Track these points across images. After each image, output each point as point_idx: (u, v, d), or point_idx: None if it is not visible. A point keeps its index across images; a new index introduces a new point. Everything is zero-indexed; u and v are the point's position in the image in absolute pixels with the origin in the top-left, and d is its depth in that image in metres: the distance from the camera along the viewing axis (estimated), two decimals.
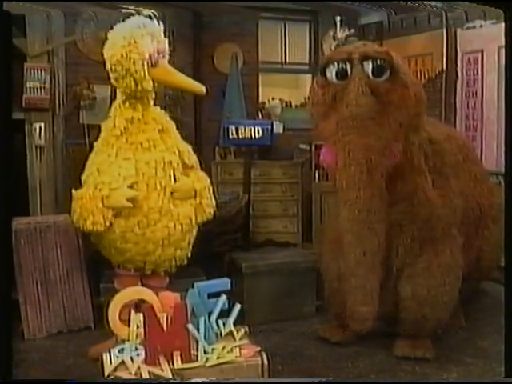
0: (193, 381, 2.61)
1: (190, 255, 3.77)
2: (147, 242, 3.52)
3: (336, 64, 3.39)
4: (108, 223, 3.45)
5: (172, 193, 3.52)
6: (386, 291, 3.55)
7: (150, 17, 3.59)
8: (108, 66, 3.46)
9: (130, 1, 5.37)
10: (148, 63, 3.37)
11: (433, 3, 5.76)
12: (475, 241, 4.09)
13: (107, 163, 3.50)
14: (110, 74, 3.48)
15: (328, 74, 3.42)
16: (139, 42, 3.36)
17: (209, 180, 3.79)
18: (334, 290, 3.83)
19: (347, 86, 3.30)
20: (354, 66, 3.31)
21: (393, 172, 3.39)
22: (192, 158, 3.70)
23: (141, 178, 3.46)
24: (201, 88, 3.57)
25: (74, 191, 3.56)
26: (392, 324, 3.76)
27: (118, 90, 3.59)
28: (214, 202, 3.77)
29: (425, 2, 5.75)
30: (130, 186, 3.43)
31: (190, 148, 3.73)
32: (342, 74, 3.36)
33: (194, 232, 3.72)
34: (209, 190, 3.74)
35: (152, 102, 3.60)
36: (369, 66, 3.30)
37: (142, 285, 3.62)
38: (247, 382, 2.72)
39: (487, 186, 4.32)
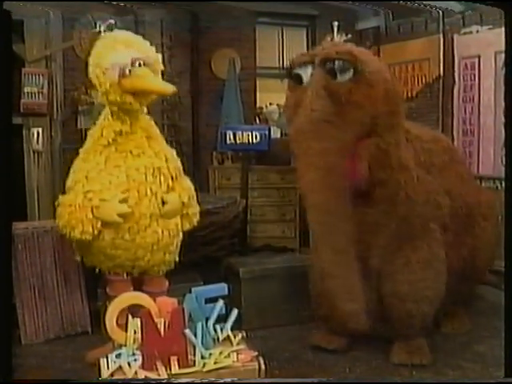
0: (190, 380, 2.62)
1: (177, 259, 3.77)
2: (137, 248, 3.52)
3: (299, 67, 3.38)
4: (96, 232, 3.45)
5: (161, 215, 3.53)
6: (370, 292, 3.56)
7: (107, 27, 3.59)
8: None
9: (130, 1, 5.38)
10: (118, 75, 3.32)
11: (432, 3, 5.77)
12: (467, 239, 4.07)
13: (96, 170, 3.48)
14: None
15: (293, 77, 3.43)
16: (103, 57, 3.36)
17: (192, 187, 3.76)
18: (319, 292, 3.82)
19: (307, 89, 3.28)
20: (315, 68, 3.28)
21: (369, 175, 3.40)
22: (177, 164, 3.69)
23: (132, 184, 3.46)
24: (168, 88, 3.43)
25: (61, 197, 3.56)
26: (385, 326, 3.76)
27: None
28: (198, 209, 3.79)
29: (424, 2, 5.76)
30: (122, 201, 3.43)
31: (173, 152, 3.73)
32: (304, 78, 3.35)
33: (181, 235, 3.73)
34: (193, 198, 3.74)
35: (142, 112, 3.58)
36: (329, 68, 3.26)
37: (139, 290, 3.62)
38: (246, 382, 2.72)
39: (473, 186, 4.34)
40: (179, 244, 3.74)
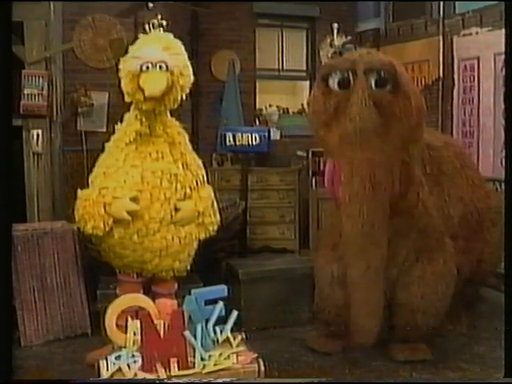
0: (191, 380, 2.62)
1: (188, 267, 3.78)
2: (145, 251, 3.53)
3: (339, 72, 3.30)
4: (108, 229, 3.47)
5: (173, 221, 3.53)
6: (385, 296, 3.56)
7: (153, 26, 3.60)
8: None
9: (130, 0, 5.38)
10: (140, 68, 3.35)
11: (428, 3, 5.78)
12: (476, 244, 4.09)
13: (114, 168, 3.52)
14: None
15: (330, 82, 3.33)
16: (139, 47, 3.42)
17: (213, 196, 3.76)
18: (325, 296, 3.82)
19: (350, 96, 3.22)
20: (358, 76, 3.22)
21: (395, 185, 3.38)
22: (199, 173, 3.69)
23: (145, 186, 3.47)
24: (151, 91, 3.36)
25: (79, 190, 3.58)
26: (386, 329, 3.77)
27: None
28: (218, 218, 3.77)
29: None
30: (133, 199, 3.44)
31: (199, 162, 3.74)
32: (344, 84, 3.28)
33: (195, 245, 3.73)
34: (212, 207, 3.73)
35: (166, 115, 3.59)
36: (373, 78, 3.22)
37: (150, 291, 3.64)
38: (244, 382, 2.72)
39: (484, 191, 4.32)
40: (192, 253, 3.74)
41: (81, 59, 5.56)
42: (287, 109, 7.13)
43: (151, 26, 3.60)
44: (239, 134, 5.11)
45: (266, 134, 5.19)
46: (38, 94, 5.25)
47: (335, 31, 3.69)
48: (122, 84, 3.45)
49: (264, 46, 6.92)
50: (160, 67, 3.36)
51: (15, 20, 4.64)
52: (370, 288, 3.33)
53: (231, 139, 5.12)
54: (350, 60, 3.32)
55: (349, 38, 3.62)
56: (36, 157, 5.38)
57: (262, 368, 2.73)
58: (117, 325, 2.85)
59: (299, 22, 7.08)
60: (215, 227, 3.76)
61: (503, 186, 4.28)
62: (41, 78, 5.25)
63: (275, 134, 6.38)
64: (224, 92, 6.28)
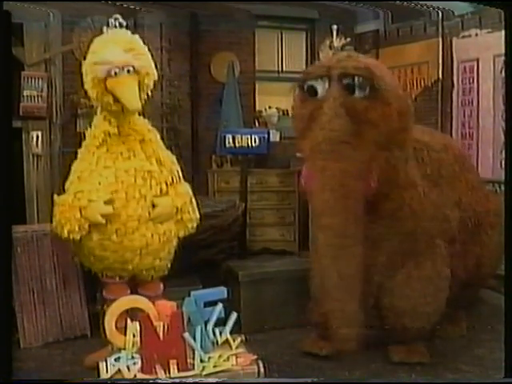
0: (190, 380, 2.62)
1: (169, 265, 3.76)
2: (125, 251, 3.52)
3: (314, 80, 3.27)
4: (84, 232, 3.47)
5: (151, 218, 3.51)
6: (369, 300, 3.59)
7: (124, 25, 3.55)
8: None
9: (130, 0, 5.38)
10: (107, 73, 3.32)
11: (429, 3, 5.77)
12: (474, 247, 4.07)
13: (88, 171, 3.51)
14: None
15: (306, 89, 3.32)
16: (100, 50, 3.37)
17: (191, 192, 3.74)
18: (316, 300, 3.78)
19: (323, 104, 3.18)
20: (332, 82, 3.18)
21: (375, 191, 3.34)
22: (174, 169, 3.67)
23: (120, 186, 3.46)
24: (133, 105, 3.36)
25: (55, 196, 3.58)
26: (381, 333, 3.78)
27: None
28: (197, 215, 3.74)
29: (421, 3, 5.76)
30: (108, 202, 3.43)
31: (173, 158, 3.72)
32: (319, 91, 3.25)
33: (175, 242, 3.71)
34: (191, 203, 3.70)
35: (134, 115, 3.55)
36: (347, 84, 3.17)
37: (135, 293, 3.62)
38: (242, 382, 2.72)
39: (483, 193, 4.29)
40: (172, 250, 3.72)
41: (80, 61, 5.54)
42: (287, 110, 7.11)
43: (112, 24, 3.55)
44: (239, 136, 5.10)
45: (266, 135, 5.18)
46: (38, 96, 5.26)
47: (334, 33, 3.68)
48: (87, 88, 3.42)
49: (263, 47, 6.90)
50: (128, 71, 3.34)
51: (15, 22, 4.65)
52: (344, 298, 3.23)
53: (231, 141, 5.12)
54: (326, 66, 3.28)
55: (348, 39, 3.60)
56: (36, 158, 5.39)
57: (262, 370, 2.73)
58: (116, 327, 2.86)
59: (298, 23, 7.07)
60: (194, 224, 3.73)
61: (503, 188, 4.28)
62: (40, 80, 5.26)
63: (275, 136, 6.37)
64: (223, 94, 6.27)
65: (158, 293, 3.70)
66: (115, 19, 3.55)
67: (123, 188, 3.47)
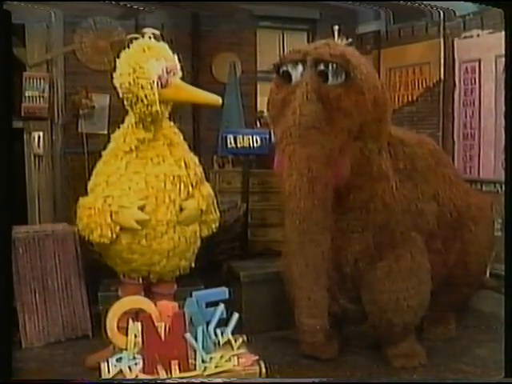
0: (193, 380, 2.62)
1: (193, 265, 3.81)
2: (153, 254, 3.55)
3: (289, 65, 3.28)
4: (115, 236, 3.49)
5: (179, 222, 3.55)
6: (346, 299, 3.65)
7: (154, 37, 3.54)
8: (120, 94, 3.48)
9: (132, 1, 5.38)
10: (158, 85, 3.36)
11: (431, 3, 5.76)
12: (455, 243, 4.02)
13: (116, 176, 3.52)
14: (124, 101, 3.49)
15: (282, 74, 3.33)
16: (145, 66, 3.35)
17: (212, 193, 3.81)
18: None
19: (296, 89, 3.18)
20: (306, 68, 3.18)
21: (346, 181, 3.32)
22: (198, 171, 3.71)
23: (150, 191, 3.49)
24: (216, 100, 3.54)
25: (81, 199, 3.59)
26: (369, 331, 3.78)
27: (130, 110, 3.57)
28: (218, 214, 3.84)
29: (424, 2, 5.75)
30: (141, 208, 3.45)
31: (196, 160, 3.76)
32: (293, 76, 3.25)
33: (198, 243, 3.76)
34: (213, 204, 3.78)
35: (165, 118, 3.61)
36: (322, 70, 3.17)
37: (150, 292, 3.65)
38: (242, 382, 2.72)
39: (463, 188, 4.22)
40: (196, 251, 3.77)
41: (82, 61, 5.57)
42: None
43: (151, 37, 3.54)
44: (240, 136, 5.10)
45: (267, 136, 5.17)
46: (40, 96, 5.26)
47: (336, 33, 3.67)
48: (140, 93, 3.37)
49: (265, 48, 6.90)
50: (174, 73, 3.48)
51: (16, 22, 4.66)
52: (309, 287, 3.21)
53: (232, 141, 5.11)
54: (302, 52, 3.27)
55: (349, 40, 3.59)
56: (37, 159, 5.39)
57: (263, 370, 2.73)
58: (118, 327, 2.86)
59: (300, 24, 7.06)
60: (217, 224, 3.82)
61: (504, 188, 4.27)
62: (42, 80, 5.27)
63: None
64: (225, 94, 6.25)
65: (171, 291, 3.75)
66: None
67: (153, 193, 3.49)
